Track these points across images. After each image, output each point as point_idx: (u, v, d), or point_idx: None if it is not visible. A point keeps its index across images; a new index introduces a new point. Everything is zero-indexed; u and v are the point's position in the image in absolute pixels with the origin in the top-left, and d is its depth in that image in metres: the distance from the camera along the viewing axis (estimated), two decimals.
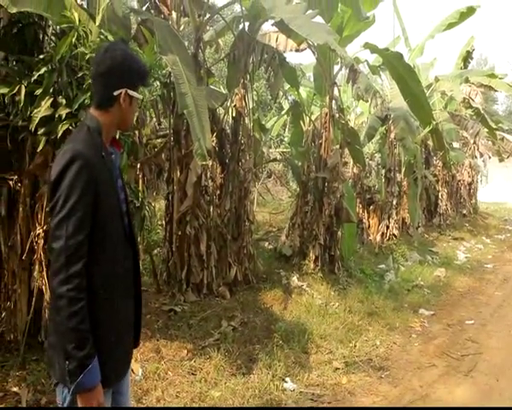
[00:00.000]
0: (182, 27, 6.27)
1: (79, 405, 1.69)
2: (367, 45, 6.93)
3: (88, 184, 1.68)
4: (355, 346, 5.01)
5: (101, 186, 1.74)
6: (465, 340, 5.50)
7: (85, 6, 4.06)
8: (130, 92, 1.85)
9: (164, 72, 5.74)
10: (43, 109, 3.32)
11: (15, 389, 3.28)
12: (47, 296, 3.55)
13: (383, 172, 10.63)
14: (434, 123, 9.84)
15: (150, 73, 2.01)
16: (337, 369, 4.47)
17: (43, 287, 3.56)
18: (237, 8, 7.07)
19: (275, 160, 11.26)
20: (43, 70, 3.36)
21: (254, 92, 7.79)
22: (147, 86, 2.00)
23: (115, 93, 1.82)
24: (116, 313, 1.84)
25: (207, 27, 6.72)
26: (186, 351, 4.29)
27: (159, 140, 6.44)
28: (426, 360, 4.90)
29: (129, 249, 1.95)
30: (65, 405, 1.76)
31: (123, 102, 1.84)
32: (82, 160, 1.68)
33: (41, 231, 3.57)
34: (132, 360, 3.86)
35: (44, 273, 3.57)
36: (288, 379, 4.14)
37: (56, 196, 1.67)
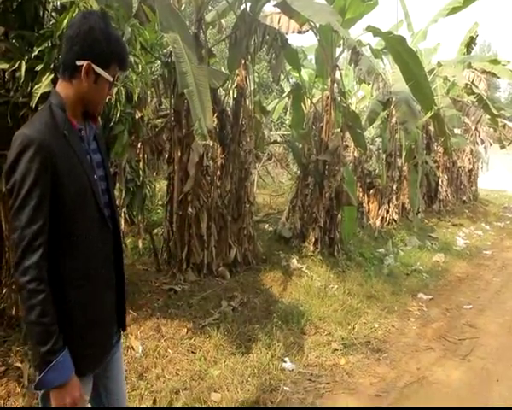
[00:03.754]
0: (183, 7, 6.21)
1: (52, 402, 1.62)
2: (370, 28, 6.84)
3: (42, 170, 1.56)
4: (353, 328, 5.05)
5: (63, 168, 1.61)
6: (463, 324, 5.54)
7: None
8: (96, 68, 1.68)
9: (165, 51, 5.69)
10: (43, 85, 3.28)
11: (17, 364, 3.31)
12: None
13: (384, 156, 10.61)
14: (436, 108, 9.78)
15: (128, 55, 1.81)
16: (335, 350, 4.51)
17: None
18: None
19: (275, 142, 11.20)
20: (43, 46, 3.32)
21: (255, 74, 7.75)
22: (123, 70, 1.84)
23: (78, 63, 1.66)
24: (94, 301, 1.75)
25: (209, 7, 6.65)
26: (186, 330, 4.32)
27: (159, 120, 6.40)
28: (423, 343, 4.94)
29: (108, 231, 1.82)
30: (39, 393, 1.71)
31: (85, 75, 1.67)
32: (34, 145, 1.56)
33: None
34: (132, 338, 3.94)
35: None
36: (286, 359, 4.18)
37: (10, 186, 1.57)
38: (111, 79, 1.75)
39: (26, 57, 3.32)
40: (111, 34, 1.73)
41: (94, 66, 1.67)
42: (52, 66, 3.39)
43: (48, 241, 1.60)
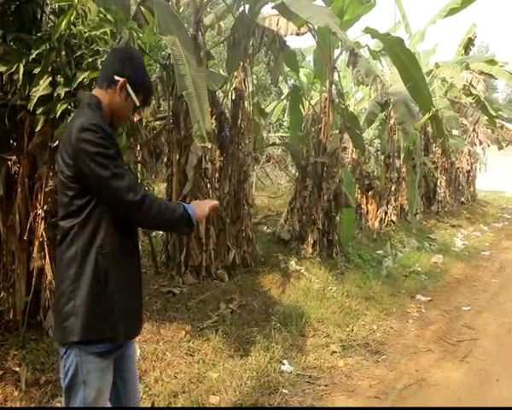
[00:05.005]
0: (181, 9, 6.20)
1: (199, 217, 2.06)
2: (368, 30, 6.86)
3: (108, 136, 1.87)
4: (352, 330, 5.04)
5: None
6: (461, 326, 5.54)
7: None
8: (129, 88, 1.99)
9: (163, 53, 5.69)
10: (41, 88, 3.28)
11: (15, 368, 3.29)
12: (49, 276, 3.56)
13: (382, 158, 10.62)
14: (434, 110, 9.79)
15: (151, 96, 2.30)
16: (334, 352, 4.50)
17: (46, 266, 3.56)
18: None
19: (274, 144, 11.22)
20: (41, 49, 3.32)
21: (254, 76, 7.74)
22: (146, 103, 2.20)
23: (116, 77, 1.97)
24: (134, 278, 2.04)
25: (208, 10, 6.65)
26: (184, 332, 4.31)
27: (158, 122, 6.40)
28: (422, 345, 4.93)
29: None
30: (69, 375, 1.89)
31: (119, 90, 1.99)
32: (95, 125, 1.85)
33: (41, 211, 3.56)
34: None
35: (46, 253, 3.57)
36: (285, 362, 4.17)
37: (89, 157, 1.82)
38: (138, 103, 2.05)
39: (24, 60, 3.32)
40: (145, 70, 2.12)
41: (128, 85, 1.99)
42: (50, 69, 3.39)
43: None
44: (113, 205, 1.90)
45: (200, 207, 2.08)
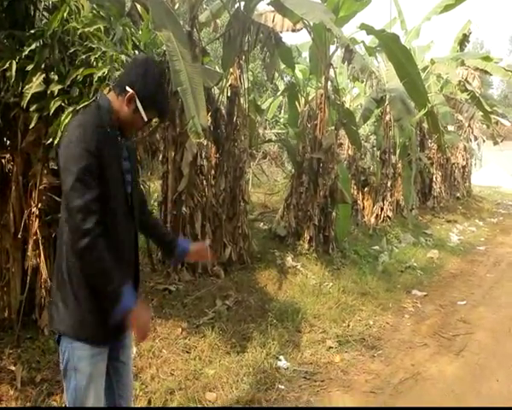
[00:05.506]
0: (177, 6, 6.18)
1: (131, 323, 1.86)
2: (363, 26, 6.85)
3: (93, 146, 1.80)
4: (348, 325, 5.06)
5: (104, 156, 1.85)
6: (457, 320, 5.56)
7: None
8: (137, 102, 1.94)
9: (159, 50, 5.66)
10: (34, 85, 3.26)
11: (10, 366, 3.28)
12: (43, 274, 3.55)
13: (378, 153, 10.63)
14: (429, 106, 9.81)
15: (168, 111, 2.26)
16: (330, 348, 4.51)
17: (40, 264, 3.55)
18: None
19: (270, 140, 11.20)
20: (34, 45, 3.29)
21: (250, 72, 7.73)
22: (161, 121, 2.37)
23: (126, 87, 1.94)
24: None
25: (204, 6, 6.62)
26: (180, 329, 4.31)
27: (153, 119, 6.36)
28: (418, 339, 4.96)
29: (132, 221, 2.05)
30: (64, 361, 1.92)
31: (127, 101, 1.94)
32: (86, 126, 1.84)
33: (35, 209, 3.54)
34: None
35: (40, 252, 3.56)
36: (281, 357, 4.18)
37: (65, 162, 1.81)
38: (145, 119, 1.98)
39: (17, 57, 3.29)
40: (161, 86, 2.05)
41: (136, 99, 1.94)
42: (43, 65, 3.36)
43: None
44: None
45: (141, 317, 1.88)
